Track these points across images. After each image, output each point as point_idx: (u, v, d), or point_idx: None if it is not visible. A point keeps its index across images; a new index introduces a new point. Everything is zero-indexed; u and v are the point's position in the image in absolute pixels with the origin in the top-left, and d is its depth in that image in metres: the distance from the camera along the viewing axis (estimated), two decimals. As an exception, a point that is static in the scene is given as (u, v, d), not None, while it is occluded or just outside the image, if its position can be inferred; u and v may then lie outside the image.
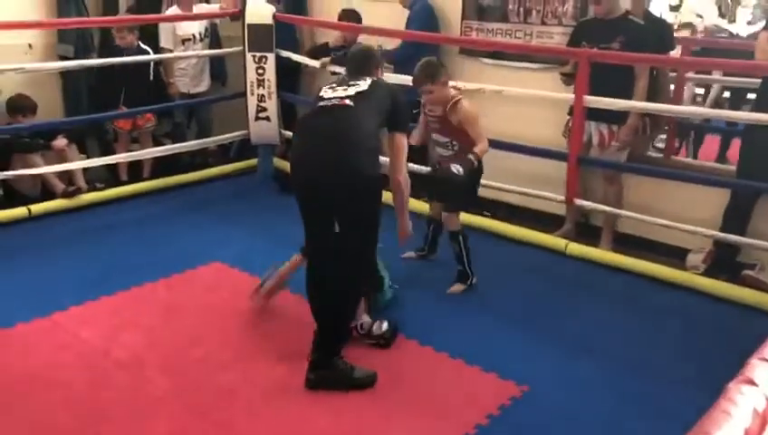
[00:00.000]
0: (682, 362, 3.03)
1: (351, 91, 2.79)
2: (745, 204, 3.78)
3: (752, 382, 0.57)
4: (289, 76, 5.35)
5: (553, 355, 3.10)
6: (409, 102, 3.24)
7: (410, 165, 3.72)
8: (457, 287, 3.66)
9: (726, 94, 5.86)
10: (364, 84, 2.84)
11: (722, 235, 3.76)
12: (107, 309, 3.34)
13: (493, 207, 4.67)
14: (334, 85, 2.89)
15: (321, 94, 2.86)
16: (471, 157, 3.33)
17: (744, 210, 3.78)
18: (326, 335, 2.81)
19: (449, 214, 3.67)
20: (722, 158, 5.09)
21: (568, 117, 4.12)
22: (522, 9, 4.64)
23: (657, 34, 4.02)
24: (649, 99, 3.88)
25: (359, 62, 3.04)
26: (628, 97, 3.84)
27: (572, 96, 3.92)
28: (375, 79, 2.94)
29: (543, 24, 4.51)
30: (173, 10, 5.16)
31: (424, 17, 4.81)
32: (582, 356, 3.09)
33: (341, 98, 2.76)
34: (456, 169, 3.26)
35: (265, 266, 3.45)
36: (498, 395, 2.76)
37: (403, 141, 2.92)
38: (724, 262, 3.90)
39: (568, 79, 4.14)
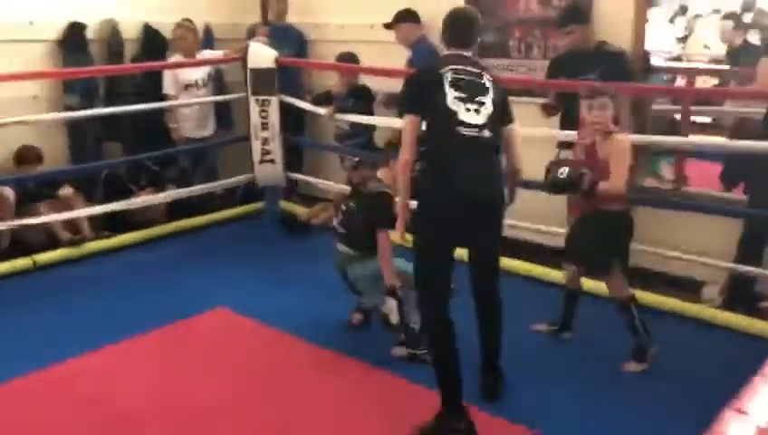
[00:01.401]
0: (699, 399, 2.90)
1: (484, 111, 2.71)
2: (759, 234, 3.69)
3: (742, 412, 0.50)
4: (294, 118, 5.37)
5: (565, 396, 2.99)
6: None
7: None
8: (634, 366, 3.20)
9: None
10: (489, 91, 2.76)
11: (736, 266, 3.66)
12: (108, 360, 3.28)
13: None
14: (462, 93, 2.70)
15: (451, 107, 2.68)
16: (586, 175, 3.03)
17: (758, 240, 3.69)
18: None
19: (606, 279, 3.27)
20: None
21: (557, 150, 4.11)
22: (523, 45, 4.64)
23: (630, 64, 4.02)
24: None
25: (466, 29, 2.87)
26: None
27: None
28: (492, 77, 2.83)
29: (545, 58, 4.49)
30: (177, 57, 5.22)
31: (426, 58, 4.82)
32: (596, 396, 2.99)
33: (480, 127, 2.69)
34: (563, 171, 3.07)
35: (270, 311, 3.40)
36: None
37: (519, 134, 2.92)
38: (741, 294, 3.79)
39: (548, 111, 4.16)
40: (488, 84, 2.78)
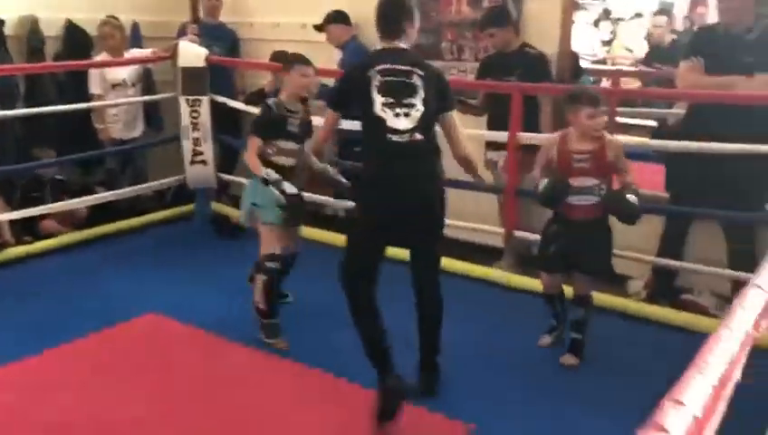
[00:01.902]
0: (631, 389, 3.00)
1: (414, 114, 2.69)
2: (680, 229, 3.84)
3: (663, 430, 0.53)
4: (229, 119, 5.28)
5: (501, 391, 3.05)
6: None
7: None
8: (571, 360, 3.27)
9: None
10: (418, 90, 2.72)
11: (659, 260, 3.81)
12: (32, 369, 3.15)
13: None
14: (390, 99, 2.70)
15: (379, 115, 2.70)
16: (632, 188, 3.07)
17: (678, 236, 3.84)
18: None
19: (587, 278, 3.29)
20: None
21: (486, 151, 4.26)
22: (455, 47, 4.70)
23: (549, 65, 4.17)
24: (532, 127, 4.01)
25: (394, 19, 2.82)
26: (534, 126, 3.99)
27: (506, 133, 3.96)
28: (424, 70, 2.77)
29: (477, 60, 4.57)
30: (102, 56, 5.06)
31: (356, 58, 4.82)
32: (530, 390, 3.06)
33: (410, 132, 2.69)
34: (633, 198, 3.04)
35: (203, 315, 3.34)
36: (446, 436, 2.69)
37: (456, 120, 2.90)
38: (664, 287, 3.95)
39: (464, 108, 4.23)
40: (418, 82, 2.73)
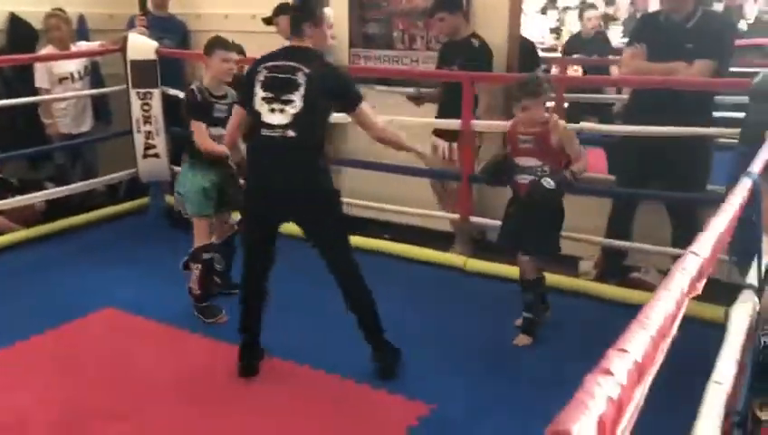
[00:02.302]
0: (579, 367, 3.11)
1: (289, 111, 2.75)
2: (626, 211, 3.98)
3: (608, 372, 0.59)
4: (180, 111, 5.22)
5: (460, 372, 3.13)
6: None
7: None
8: (524, 340, 3.36)
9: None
10: (300, 88, 2.77)
11: (608, 241, 3.95)
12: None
13: (390, 229, 4.74)
14: (269, 93, 2.80)
15: (257, 109, 2.82)
16: (567, 173, 3.15)
17: (625, 217, 3.98)
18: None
19: (529, 259, 3.34)
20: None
21: (433, 137, 4.38)
22: (406, 36, 4.75)
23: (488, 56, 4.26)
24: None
25: (293, 18, 2.96)
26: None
27: (459, 122, 4.03)
28: (313, 69, 2.80)
29: (429, 49, 4.63)
30: (48, 49, 4.95)
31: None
32: (489, 372, 3.15)
33: (283, 128, 2.75)
34: (548, 182, 3.13)
35: (160, 308, 3.35)
36: (406, 417, 2.76)
37: (368, 109, 2.96)
38: (613, 267, 4.09)
39: (416, 101, 4.44)
40: (301, 80, 2.77)
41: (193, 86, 3.50)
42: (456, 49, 4.23)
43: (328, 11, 3.15)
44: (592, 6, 7.19)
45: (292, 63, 2.81)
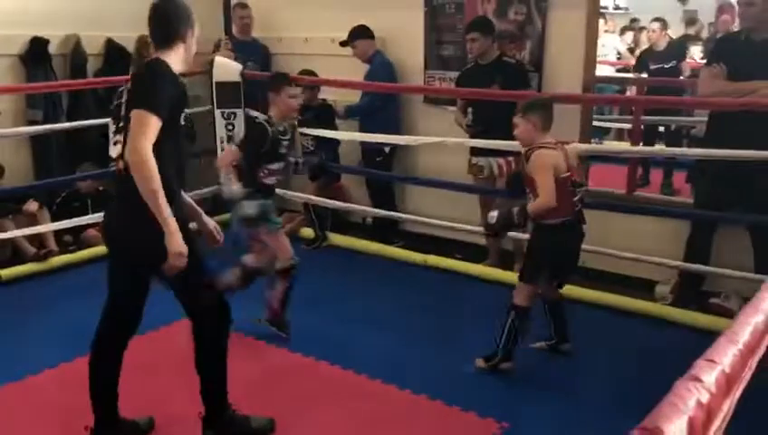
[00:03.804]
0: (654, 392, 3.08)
1: (119, 137, 2.35)
2: (706, 234, 3.91)
3: (697, 379, 0.64)
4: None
5: (531, 391, 3.14)
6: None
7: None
8: (480, 362, 3.30)
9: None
10: (123, 106, 2.37)
11: (686, 265, 3.88)
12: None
13: (463, 248, 4.80)
14: (114, 124, 2.43)
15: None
16: (515, 209, 3.10)
17: (704, 241, 3.90)
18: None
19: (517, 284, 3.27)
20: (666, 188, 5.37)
21: (470, 156, 4.47)
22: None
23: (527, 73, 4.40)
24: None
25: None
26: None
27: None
28: (132, 79, 2.41)
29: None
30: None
31: (386, 71, 4.98)
32: (562, 392, 3.14)
33: (116, 161, 2.37)
34: (491, 216, 3.17)
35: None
36: (479, 434, 2.79)
37: (143, 116, 2.23)
38: (691, 292, 4.01)
39: (471, 130, 4.43)
40: (123, 99, 2.39)
41: (261, 119, 3.47)
42: (489, 70, 4.31)
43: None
44: (658, 20, 7.10)
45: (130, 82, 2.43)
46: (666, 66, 6.06)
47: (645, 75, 6.29)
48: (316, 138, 5.05)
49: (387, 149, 5.03)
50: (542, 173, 3.02)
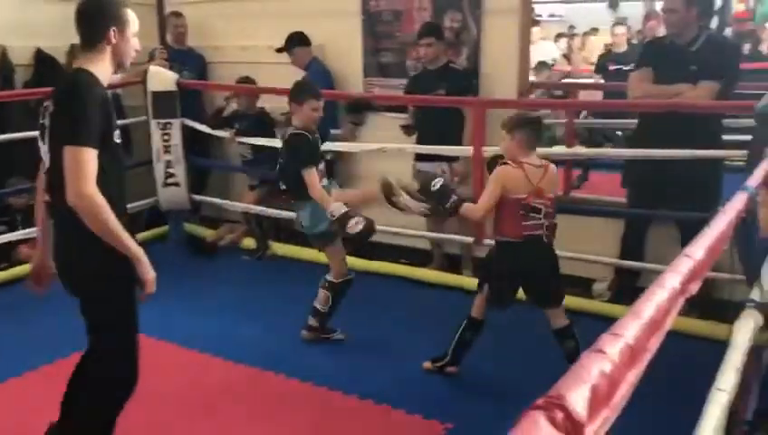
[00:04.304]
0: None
1: (47, 159, 2.22)
2: (638, 232, 4.03)
3: (600, 351, 0.66)
4: (199, 141, 5.38)
5: (475, 391, 3.19)
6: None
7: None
8: (427, 364, 3.34)
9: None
10: (47, 129, 2.21)
11: (620, 262, 4.00)
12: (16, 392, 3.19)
13: (407, 253, 4.83)
14: (41, 139, 2.26)
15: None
16: (456, 194, 3.07)
17: (637, 238, 4.03)
18: None
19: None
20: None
21: (414, 162, 4.52)
22: (419, 65, 4.86)
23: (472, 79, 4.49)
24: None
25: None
26: (459, 137, 4.26)
27: (470, 148, 4.11)
28: (56, 97, 2.22)
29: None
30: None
31: (322, 79, 4.97)
32: (505, 391, 3.18)
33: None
34: (436, 181, 3.09)
35: (191, 335, 3.42)
36: (424, 435, 2.81)
37: (77, 153, 2.08)
38: (628, 288, 4.12)
39: (408, 130, 4.52)
40: (47, 122, 2.21)
41: (297, 130, 3.44)
42: (437, 75, 4.38)
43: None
44: (622, 24, 7.39)
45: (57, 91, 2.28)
46: (624, 68, 6.23)
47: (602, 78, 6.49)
48: (255, 146, 5.01)
49: (328, 157, 5.03)
50: (488, 186, 3.05)
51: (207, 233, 5.37)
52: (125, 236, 2.14)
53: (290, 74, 5.01)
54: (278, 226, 5.38)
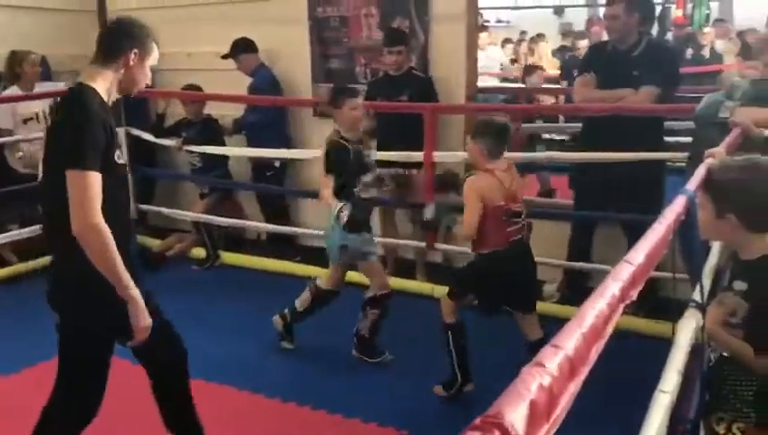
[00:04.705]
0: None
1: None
2: (585, 234, 4.11)
3: (540, 365, 0.66)
4: (145, 149, 5.28)
5: (430, 398, 3.18)
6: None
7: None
8: (438, 389, 3.19)
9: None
10: (43, 145, 2.20)
11: (569, 263, 4.06)
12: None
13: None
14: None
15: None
16: (448, 218, 3.16)
17: (584, 240, 4.10)
18: None
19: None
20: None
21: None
22: (368, 70, 4.87)
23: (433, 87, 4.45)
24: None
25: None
26: (420, 142, 4.13)
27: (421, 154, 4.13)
28: (58, 114, 2.21)
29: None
30: (12, 89, 4.96)
31: (269, 85, 4.94)
32: (461, 397, 3.17)
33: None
34: (426, 211, 3.18)
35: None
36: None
37: (81, 177, 1.98)
38: (577, 289, 4.19)
39: (370, 134, 4.37)
40: (47, 127, 2.24)
41: (336, 137, 3.35)
42: (400, 82, 4.38)
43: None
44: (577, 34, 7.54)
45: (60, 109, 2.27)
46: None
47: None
48: (204, 154, 4.94)
49: (277, 163, 5.00)
50: (467, 202, 2.98)
51: (155, 244, 5.26)
52: (126, 276, 2.04)
53: (236, 81, 4.98)
54: (227, 235, 5.31)
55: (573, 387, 0.70)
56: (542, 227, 4.19)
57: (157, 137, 5.11)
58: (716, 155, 2.16)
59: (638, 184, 3.72)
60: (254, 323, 3.83)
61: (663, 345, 1.77)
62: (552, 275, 4.27)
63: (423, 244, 4.33)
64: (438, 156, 4.12)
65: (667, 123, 4.09)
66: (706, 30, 8.26)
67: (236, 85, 5.00)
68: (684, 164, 3.54)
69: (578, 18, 11.92)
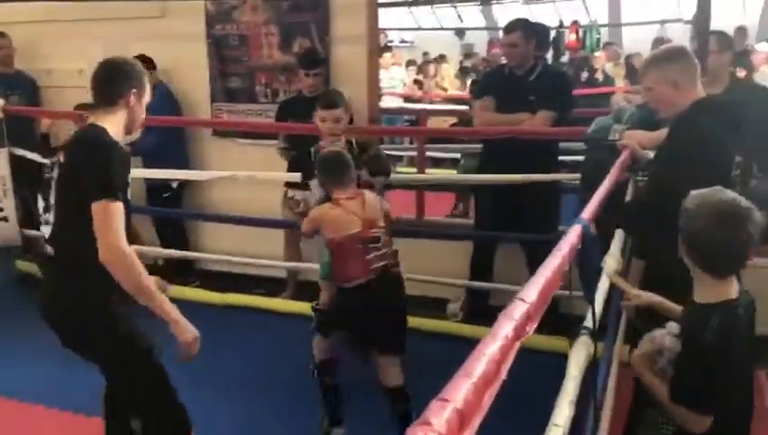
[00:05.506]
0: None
1: (51, 220, 2.30)
2: (486, 254, 4.18)
3: (427, 423, 0.63)
4: (32, 169, 4.96)
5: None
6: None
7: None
8: None
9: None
10: (53, 181, 2.31)
11: (471, 283, 4.12)
12: None
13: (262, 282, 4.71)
14: (44, 201, 2.37)
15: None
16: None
17: (485, 259, 4.17)
18: None
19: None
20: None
21: (285, 188, 4.39)
22: (269, 90, 4.79)
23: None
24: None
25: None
26: None
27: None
28: (71, 152, 2.27)
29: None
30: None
31: (167, 104, 4.77)
32: (358, 415, 3.11)
33: (48, 243, 2.30)
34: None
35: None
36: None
37: (106, 208, 2.11)
38: (479, 308, 4.25)
39: (284, 153, 4.37)
40: (55, 173, 2.33)
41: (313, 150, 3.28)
42: (314, 103, 4.30)
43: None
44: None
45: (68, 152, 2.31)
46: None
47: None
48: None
49: (174, 185, 4.82)
50: (304, 222, 2.99)
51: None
52: (160, 295, 2.16)
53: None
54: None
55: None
56: (446, 245, 4.26)
57: (44, 157, 4.82)
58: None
59: (535, 204, 3.82)
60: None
61: (562, 361, 1.81)
62: (457, 293, 4.31)
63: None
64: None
65: (562, 144, 4.23)
66: (597, 54, 8.69)
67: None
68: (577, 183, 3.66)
69: (479, 40, 12.30)
